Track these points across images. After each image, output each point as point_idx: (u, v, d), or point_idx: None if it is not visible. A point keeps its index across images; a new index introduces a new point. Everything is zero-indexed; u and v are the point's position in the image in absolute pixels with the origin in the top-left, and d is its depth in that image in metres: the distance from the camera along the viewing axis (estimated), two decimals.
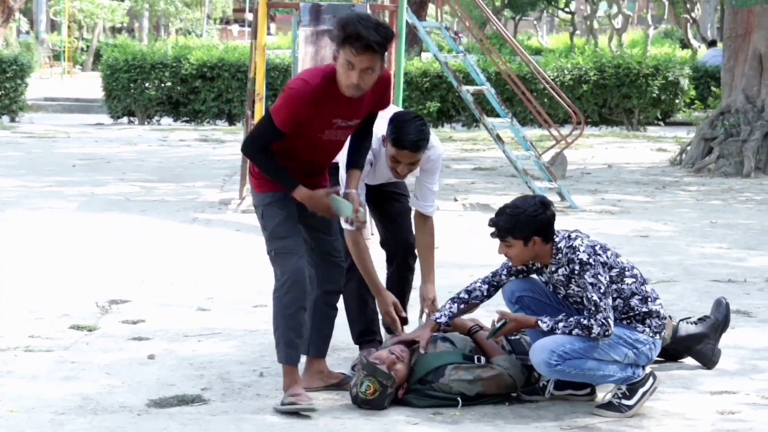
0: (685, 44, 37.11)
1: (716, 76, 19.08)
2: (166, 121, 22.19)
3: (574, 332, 4.92)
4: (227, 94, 21.67)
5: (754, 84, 15.48)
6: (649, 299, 5.09)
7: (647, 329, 5.05)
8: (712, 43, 27.64)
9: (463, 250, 8.97)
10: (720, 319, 5.84)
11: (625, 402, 5.01)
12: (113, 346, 6.16)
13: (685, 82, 21.43)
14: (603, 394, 5.21)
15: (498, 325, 5.08)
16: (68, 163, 14.83)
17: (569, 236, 5.09)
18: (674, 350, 5.72)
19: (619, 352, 4.99)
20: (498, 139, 12.32)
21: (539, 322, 5.00)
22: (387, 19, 11.41)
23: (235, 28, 64.68)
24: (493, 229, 5.10)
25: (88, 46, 44.16)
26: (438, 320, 5.31)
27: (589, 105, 21.07)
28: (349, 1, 12.83)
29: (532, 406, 5.15)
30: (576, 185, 13.27)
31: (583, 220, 10.68)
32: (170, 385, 5.42)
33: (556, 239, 5.07)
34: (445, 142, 18.59)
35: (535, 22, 60.53)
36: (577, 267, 4.96)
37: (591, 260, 4.96)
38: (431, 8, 27.50)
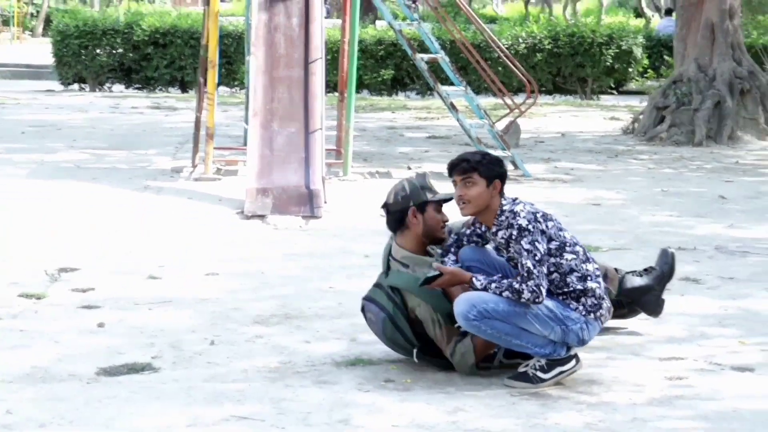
0: (638, 13, 37.25)
1: (669, 45, 19.15)
2: (118, 88, 21.99)
3: (504, 294, 4.90)
4: (180, 61, 21.51)
5: (706, 53, 15.57)
6: (589, 278, 5.04)
7: (581, 307, 5.00)
8: (668, 12, 27.72)
9: None
10: (665, 270, 5.86)
11: (539, 374, 4.99)
12: (62, 315, 6.11)
13: (638, 51, 21.53)
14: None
15: (430, 275, 5.08)
16: (18, 130, 14.66)
17: (513, 200, 5.10)
18: (619, 302, 5.68)
19: (547, 326, 4.96)
20: (452, 107, 12.31)
21: (474, 279, 4.99)
22: None
23: None
24: (453, 169, 5.14)
25: (38, 12, 43.57)
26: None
27: (543, 74, 21.12)
28: None
29: (483, 373, 5.16)
30: (529, 154, 13.31)
31: (536, 188, 10.72)
32: (120, 354, 5.38)
33: (503, 201, 5.09)
34: (399, 111, 18.60)
35: None
36: (515, 232, 4.95)
37: (530, 227, 4.95)
38: None
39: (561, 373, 5.02)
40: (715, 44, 15.52)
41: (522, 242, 4.93)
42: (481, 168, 5.07)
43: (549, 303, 4.96)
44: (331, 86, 15.41)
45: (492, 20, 32.22)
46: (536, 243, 4.93)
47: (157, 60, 21.51)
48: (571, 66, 21.34)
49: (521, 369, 5.06)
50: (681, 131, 14.97)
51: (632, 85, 21.70)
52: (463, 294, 5.00)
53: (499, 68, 17.42)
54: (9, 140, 13.64)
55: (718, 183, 11.55)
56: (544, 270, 4.94)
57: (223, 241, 8.30)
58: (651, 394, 4.94)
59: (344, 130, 11.37)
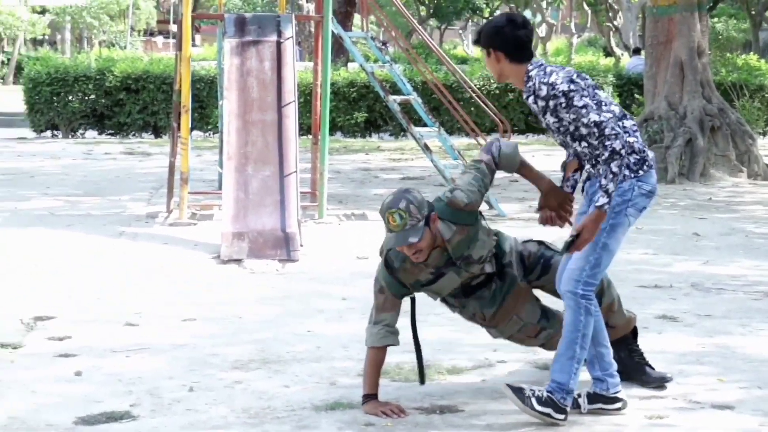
0: (608, 52, 37.57)
1: (639, 83, 19.29)
2: (91, 134, 21.95)
3: (615, 173, 4.79)
4: (152, 107, 21.52)
5: (676, 91, 15.71)
6: (627, 134, 5.01)
7: (626, 171, 4.96)
8: (636, 51, 27.96)
9: None
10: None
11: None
12: (39, 364, 6.06)
13: (609, 90, 21.67)
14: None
15: (568, 240, 4.96)
16: None
17: (544, 69, 5.00)
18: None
19: (620, 223, 5.05)
20: (426, 148, 12.35)
21: (597, 204, 4.84)
22: (313, 30, 11.41)
23: (159, 39, 64.21)
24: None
25: (8, 59, 43.53)
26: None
27: (515, 113, 21.25)
28: (273, 11, 12.78)
29: (463, 414, 5.15)
30: (504, 193, 13.35)
31: (511, 228, 10.71)
32: (98, 402, 5.34)
33: (530, 66, 5.03)
34: (373, 152, 18.65)
35: (460, 31, 60.88)
36: (562, 100, 4.88)
37: (572, 86, 4.89)
38: (357, 18, 27.56)
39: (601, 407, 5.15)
40: (685, 82, 15.68)
41: (574, 102, 4.87)
42: (480, 40, 5.11)
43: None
44: (305, 129, 15.47)
45: (463, 61, 32.44)
46: (584, 97, 4.89)
47: (130, 105, 21.51)
48: None
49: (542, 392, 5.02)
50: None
51: None
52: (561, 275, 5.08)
53: (472, 108, 17.51)
54: None
55: (692, 220, 11.62)
56: (608, 114, 4.89)
57: (200, 286, 8.27)
58: None
59: (318, 173, 11.38)
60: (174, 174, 11.36)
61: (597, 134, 4.81)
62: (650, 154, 5.08)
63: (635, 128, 5.10)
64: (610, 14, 31.74)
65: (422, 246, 5.08)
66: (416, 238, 5.01)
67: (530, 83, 4.99)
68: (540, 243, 5.57)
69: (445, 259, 5.24)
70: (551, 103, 4.89)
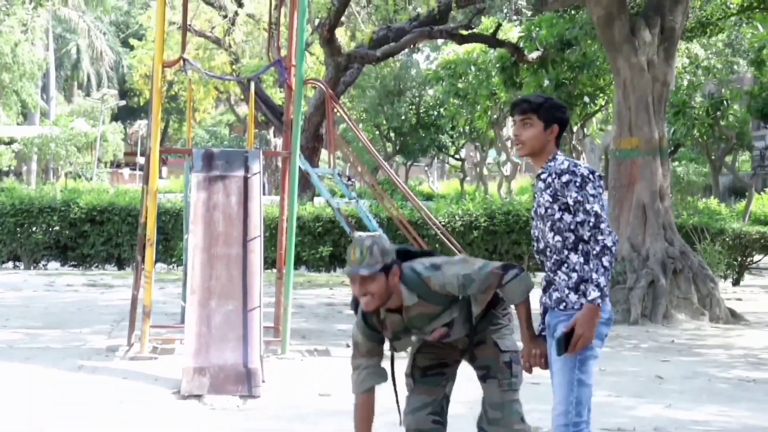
0: None
1: None
2: (54, 265, 21.82)
3: (603, 265, 4.77)
4: (117, 238, 21.48)
5: (639, 233, 15.87)
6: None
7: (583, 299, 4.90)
8: None
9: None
10: None
11: None
12: None
13: None
14: None
15: (560, 338, 4.89)
16: None
17: (571, 159, 5.05)
18: None
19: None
20: None
21: (589, 298, 4.79)
22: (280, 165, 11.50)
23: (126, 171, 64.52)
24: (517, 107, 5.12)
25: None
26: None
27: (479, 251, 21.34)
28: (241, 147, 12.90)
29: None
30: None
31: None
32: None
33: (559, 152, 5.08)
34: (337, 287, 18.60)
35: (426, 168, 61.60)
36: (578, 180, 4.90)
37: (590, 177, 4.93)
38: (324, 153, 27.83)
39: None
40: (647, 224, 15.85)
41: (587, 188, 4.89)
42: (541, 111, 5.08)
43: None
44: (269, 262, 15.44)
45: (429, 197, 32.77)
46: (597, 189, 4.92)
47: (94, 237, 21.47)
48: (507, 243, 21.60)
49: None
50: (617, 310, 15.10)
51: None
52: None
53: (437, 245, 17.59)
54: None
55: (655, 362, 11.60)
56: (605, 217, 4.89)
57: (159, 422, 8.12)
58: None
59: (282, 307, 11.33)
60: (136, 307, 11.27)
61: (592, 224, 4.84)
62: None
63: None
64: (574, 155, 32.28)
65: (373, 290, 5.06)
66: (366, 272, 5.00)
67: (552, 162, 5.04)
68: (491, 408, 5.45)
69: (401, 327, 5.24)
70: (565, 177, 4.92)
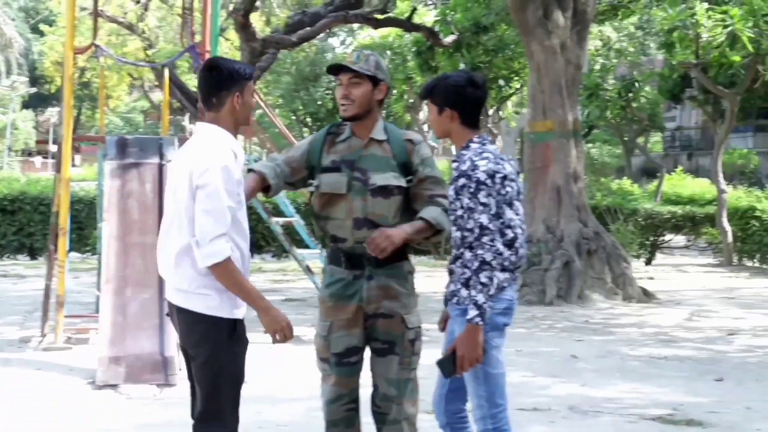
0: None
1: None
2: None
3: (482, 282, 4.66)
4: (29, 228, 21.15)
5: (554, 215, 16.05)
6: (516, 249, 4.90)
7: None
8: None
9: (275, 382, 8.87)
10: None
11: None
12: None
13: None
14: None
15: (444, 360, 4.86)
16: None
17: (483, 149, 4.88)
18: None
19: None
20: (308, 270, 12.34)
21: (467, 318, 4.70)
22: None
23: (38, 159, 63.53)
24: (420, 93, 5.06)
25: None
26: None
27: None
28: (156, 134, 12.78)
29: None
30: None
31: None
32: None
33: (476, 138, 4.93)
34: (254, 274, 18.53)
35: None
36: (472, 186, 4.73)
37: (488, 181, 4.75)
38: (240, 139, 27.66)
39: None
40: (562, 206, 16.04)
41: (479, 195, 4.73)
42: (433, 95, 4.95)
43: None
44: None
45: None
46: (490, 197, 4.75)
47: (5, 227, 21.13)
48: None
49: None
50: (532, 291, 15.28)
51: None
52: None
53: None
54: None
55: (570, 342, 11.77)
56: (497, 226, 4.77)
57: (74, 413, 8.03)
58: None
59: None
60: (49, 297, 11.13)
61: (475, 237, 4.69)
62: (508, 275, 4.88)
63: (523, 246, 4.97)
64: (490, 138, 32.57)
65: (356, 95, 5.08)
66: (356, 66, 5.05)
67: (464, 152, 4.89)
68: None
69: (349, 158, 5.17)
70: (461, 181, 4.77)
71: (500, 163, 4.85)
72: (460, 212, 4.77)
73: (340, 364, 5.21)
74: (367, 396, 5.29)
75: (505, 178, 4.82)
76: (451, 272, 4.89)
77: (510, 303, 4.91)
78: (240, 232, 4.63)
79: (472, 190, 4.72)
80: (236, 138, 4.73)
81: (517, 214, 4.90)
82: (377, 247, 4.91)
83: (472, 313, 4.68)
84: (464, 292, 4.75)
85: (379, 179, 5.11)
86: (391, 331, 5.12)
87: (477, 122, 4.96)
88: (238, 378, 4.69)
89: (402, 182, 5.12)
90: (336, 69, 5.16)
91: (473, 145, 4.88)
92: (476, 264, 4.67)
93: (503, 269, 4.83)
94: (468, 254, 4.73)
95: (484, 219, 4.70)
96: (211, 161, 4.50)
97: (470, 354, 4.74)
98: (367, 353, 5.24)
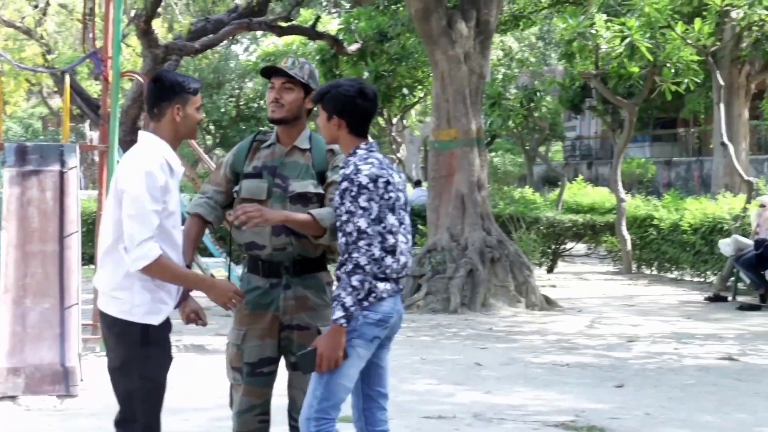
0: None
1: (422, 214, 19.77)
2: None
3: (352, 284, 4.65)
4: None
5: (458, 223, 16.17)
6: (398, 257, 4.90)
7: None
8: (417, 183, 28.78)
9: (180, 391, 8.78)
10: None
11: None
12: None
13: None
14: None
15: (306, 355, 4.80)
16: None
17: (369, 155, 4.89)
18: None
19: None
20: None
21: (333, 318, 4.69)
22: (98, 159, 11.26)
23: None
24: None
25: None
26: None
27: None
28: (56, 141, 12.57)
29: None
30: None
31: None
32: None
33: (363, 145, 4.92)
34: None
35: None
36: (354, 190, 4.72)
37: (370, 186, 4.76)
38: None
39: None
40: (466, 214, 16.16)
41: (359, 200, 4.73)
42: (324, 102, 4.94)
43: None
44: (87, 259, 15.11)
45: None
46: (372, 202, 4.74)
47: None
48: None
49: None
50: (437, 299, 15.36)
51: None
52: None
53: None
54: None
55: (474, 350, 11.86)
56: (379, 231, 4.77)
57: None
58: None
59: None
60: None
61: (352, 240, 4.68)
62: (389, 286, 4.89)
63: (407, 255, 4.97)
64: (394, 146, 32.65)
65: (287, 100, 5.12)
66: (289, 70, 5.11)
67: (350, 158, 4.90)
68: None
69: (270, 164, 5.19)
70: (344, 185, 4.77)
71: (385, 169, 4.88)
72: (344, 217, 4.77)
73: (253, 374, 5.18)
74: (280, 407, 5.27)
75: (388, 183, 4.84)
76: (338, 278, 4.86)
77: (386, 316, 4.87)
78: (169, 242, 4.63)
79: (353, 193, 4.74)
80: (175, 149, 4.75)
81: (401, 223, 4.92)
82: (245, 214, 4.87)
83: (338, 314, 4.68)
84: (336, 292, 4.77)
85: (298, 186, 5.13)
86: (306, 344, 5.04)
87: (365, 131, 5.00)
88: (154, 383, 4.67)
89: (320, 190, 5.14)
90: (269, 72, 5.17)
91: (360, 152, 4.92)
92: (350, 267, 4.68)
93: (385, 278, 4.83)
94: (344, 257, 4.74)
95: (362, 223, 4.71)
96: (136, 166, 4.60)
97: (330, 354, 4.72)
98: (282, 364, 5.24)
